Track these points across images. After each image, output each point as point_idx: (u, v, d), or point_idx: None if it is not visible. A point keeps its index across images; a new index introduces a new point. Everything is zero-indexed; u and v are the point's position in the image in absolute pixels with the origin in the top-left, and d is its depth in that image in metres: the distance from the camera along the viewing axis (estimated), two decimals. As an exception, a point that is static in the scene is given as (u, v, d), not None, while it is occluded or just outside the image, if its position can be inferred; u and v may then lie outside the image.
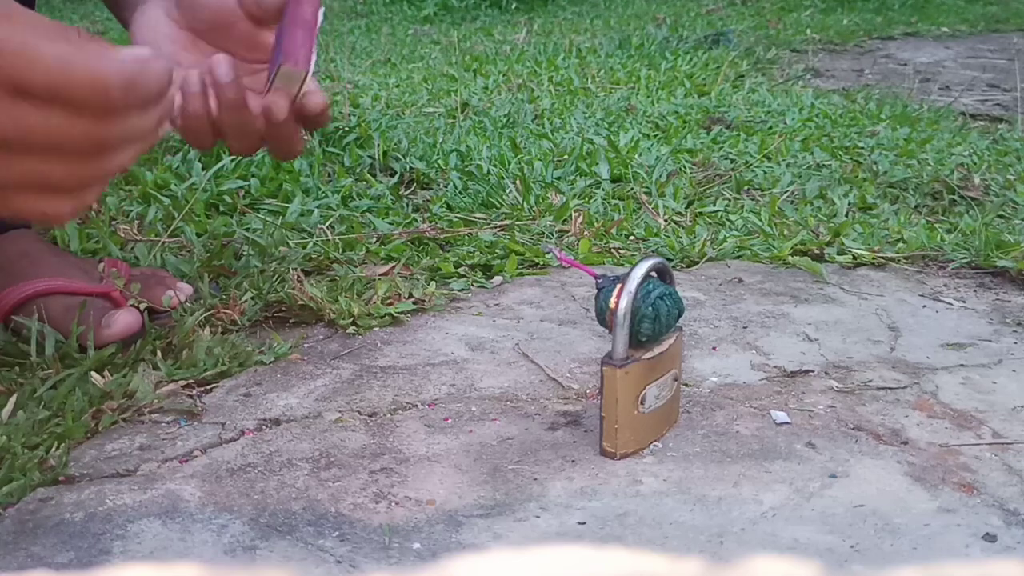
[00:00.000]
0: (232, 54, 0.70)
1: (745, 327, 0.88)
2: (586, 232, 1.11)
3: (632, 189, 1.27)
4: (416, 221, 1.14)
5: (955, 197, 1.26)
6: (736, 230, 1.14)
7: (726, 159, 1.44)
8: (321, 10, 0.68)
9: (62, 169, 0.46)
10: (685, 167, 1.39)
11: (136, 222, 1.07)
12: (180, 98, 0.68)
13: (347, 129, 1.46)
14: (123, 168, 0.48)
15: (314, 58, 0.67)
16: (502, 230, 1.12)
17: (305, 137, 0.66)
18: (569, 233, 1.11)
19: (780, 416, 0.72)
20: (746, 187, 1.31)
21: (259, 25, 0.71)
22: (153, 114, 0.47)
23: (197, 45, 0.73)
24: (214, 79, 0.67)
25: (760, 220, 1.16)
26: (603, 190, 1.27)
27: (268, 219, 1.08)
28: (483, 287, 0.98)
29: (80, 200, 0.48)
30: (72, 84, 0.43)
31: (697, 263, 1.05)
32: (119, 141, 0.46)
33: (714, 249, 1.07)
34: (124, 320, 0.79)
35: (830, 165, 1.41)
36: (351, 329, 0.86)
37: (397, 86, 2.07)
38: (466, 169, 1.34)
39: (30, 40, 0.43)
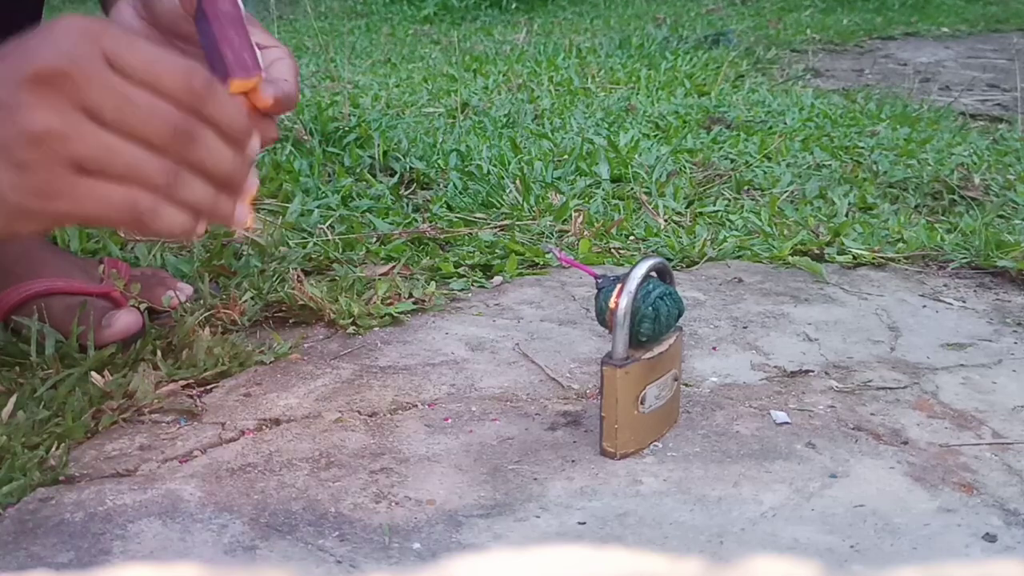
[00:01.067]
0: (197, 54, 0.72)
1: (745, 327, 0.88)
2: (586, 232, 1.11)
3: (632, 189, 1.27)
4: (416, 221, 1.14)
5: (955, 197, 1.26)
6: (736, 230, 1.14)
7: (726, 159, 1.44)
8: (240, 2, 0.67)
9: (139, 192, 0.48)
10: (685, 167, 1.39)
11: (136, 222, 1.07)
12: None
13: (347, 129, 1.46)
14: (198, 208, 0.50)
15: (258, 53, 0.66)
16: (502, 230, 1.12)
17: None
18: (569, 233, 1.11)
19: (780, 416, 0.72)
20: (746, 187, 1.31)
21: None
22: (233, 149, 0.51)
23: (171, 42, 0.73)
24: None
25: (760, 220, 1.16)
26: (603, 190, 1.27)
27: (268, 219, 1.08)
28: (483, 287, 0.98)
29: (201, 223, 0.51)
30: (167, 72, 0.47)
31: (697, 263, 1.05)
32: (198, 144, 0.49)
33: (714, 249, 1.07)
34: (124, 320, 0.79)
35: (830, 165, 1.41)
36: (351, 329, 0.86)
37: (397, 86, 2.07)
38: (466, 169, 1.34)
39: (132, 34, 0.47)
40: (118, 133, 0.47)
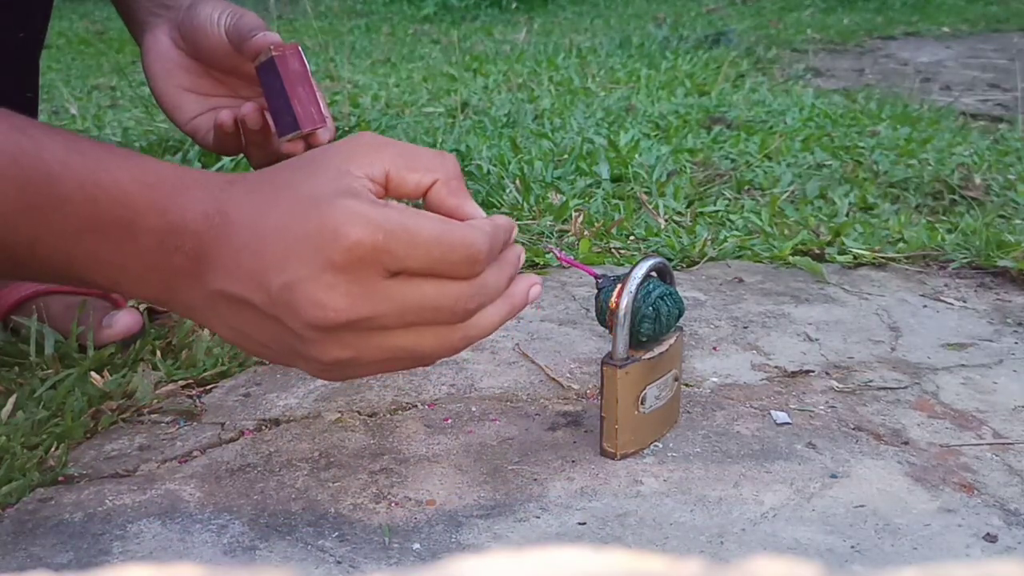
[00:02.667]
0: (236, 83, 0.75)
1: (745, 327, 0.88)
2: (586, 232, 1.11)
3: (632, 189, 1.27)
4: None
5: (956, 197, 1.26)
6: (736, 230, 1.14)
7: (726, 159, 1.44)
8: (304, 57, 0.73)
9: (432, 339, 0.49)
10: (685, 167, 1.38)
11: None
12: (215, 132, 0.75)
13: (347, 129, 1.46)
14: (487, 332, 0.52)
15: (323, 105, 0.73)
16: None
17: None
18: (569, 233, 1.11)
19: (780, 416, 0.72)
20: (746, 187, 1.31)
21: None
22: (505, 271, 0.52)
23: (210, 73, 0.76)
24: (244, 125, 0.73)
25: (760, 220, 1.15)
26: (603, 190, 1.27)
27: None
28: (483, 287, 0.98)
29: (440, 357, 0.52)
30: (449, 260, 0.47)
31: (697, 263, 1.05)
32: (481, 300, 0.50)
33: (714, 249, 1.07)
34: (124, 320, 0.79)
35: (831, 165, 1.41)
36: (351, 329, 0.86)
37: (397, 86, 2.07)
38: (466, 169, 1.34)
39: (408, 221, 0.46)
40: (403, 327, 0.48)
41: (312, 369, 0.50)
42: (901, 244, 1.08)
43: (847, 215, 1.18)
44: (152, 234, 0.47)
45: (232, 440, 0.68)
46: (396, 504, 0.61)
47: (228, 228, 0.46)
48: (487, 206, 1.20)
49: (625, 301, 0.62)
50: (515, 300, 0.53)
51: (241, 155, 0.78)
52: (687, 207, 1.22)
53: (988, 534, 0.57)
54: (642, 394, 0.64)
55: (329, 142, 0.77)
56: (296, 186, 0.47)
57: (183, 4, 0.77)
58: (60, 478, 0.63)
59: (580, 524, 0.59)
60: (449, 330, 0.49)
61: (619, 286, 0.63)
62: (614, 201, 1.24)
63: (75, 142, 0.47)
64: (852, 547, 0.56)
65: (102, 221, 0.46)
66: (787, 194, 1.27)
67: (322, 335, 0.46)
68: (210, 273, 0.47)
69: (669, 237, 1.09)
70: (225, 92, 0.79)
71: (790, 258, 1.05)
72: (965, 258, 1.04)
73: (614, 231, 1.12)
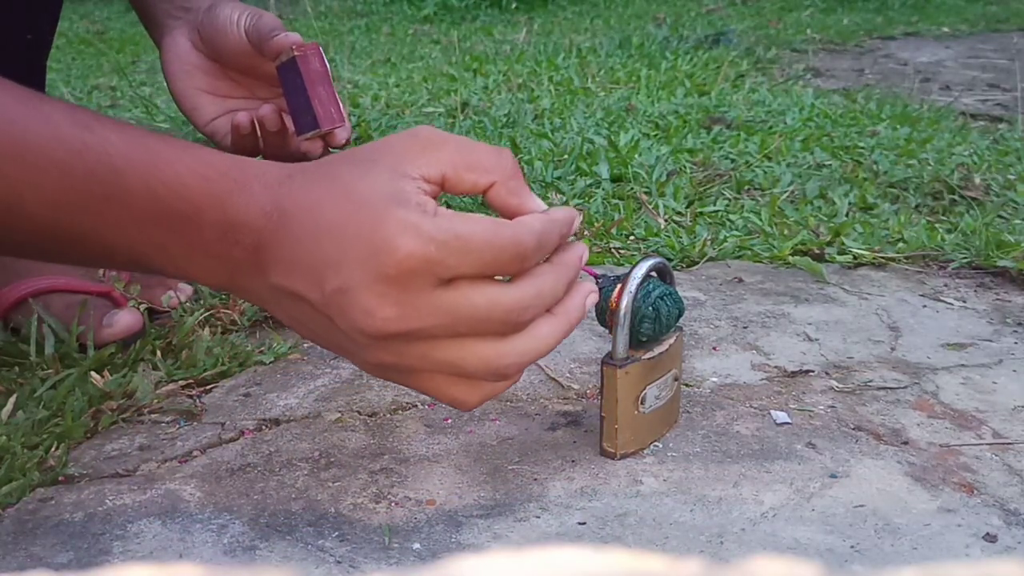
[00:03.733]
0: (253, 84, 0.76)
1: (745, 327, 0.88)
2: (586, 232, 1.11)
3: (632, 189, 1.27)
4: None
5: (955, 197, 1.26)
6: (736, 230, 1.14)
7: (726, 159, 1.44)
8: (324, 57, 0.73)
9: (479, 354, 0.49)
10: (685, 167, 1.38)
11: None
12: (233, 134, 0.76)
13: (347, 129, 1.46)
14: (542, 353, 0.51)
15: (341, 105, 0.73)
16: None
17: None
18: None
19: (780, 416, 0.72)
20: (746, 187, 1.31)
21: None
22: (564, 276, 0.51)
23: (227, 74, 0.77)
24: (262, 126, 0.74)
25: (760, 220, 1.16)
26: (603, 190, 1.27)
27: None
28: (483, 287, 0.98)
29: (493, 389, 0.52)
30: (500, 260, 0.47)
31: (697, 263, 1.05)
32: (536, 309, 0.50)
33: (714, 249, 1.07)
34: (125, 320, 0.79)
35: (830, 165, 1.41)
36: (351, 329, 0.86)
37: (397, 86, 2.07)
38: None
39: (459, 228, 0.46)
40: (458, 337, 0.48)
41: (360, 365, 0.51)
42: (901, 244, 1.08)
43: (847, 215, 1.18)
44: (213, 228, 0.47)
45: (232, 440, 0.68)
46: (396, 504, 0.61)
47: (285, 224, 0.47)
48: (487, 206, 1.20)
49: (625, 301, 0.62)
50: (571, 315, 0.53)
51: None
52: (687, 207, 1.22)
53: (988, 534, 0.57)
54: (642, 394, 0.64)
55: (346, 142, 0.77)
56: (352, 184, 0.47)
57: (202, 7, 0.78)
58: (60, 478, 0.63)
59: (580, 524, 0.59)
60: (499, 345, 0.49)
61: (619, 286, 0.63)
62: (614, 201, 1.24)
63: (137, 136, 0.48)
64: (852, 547, 0.56)
65: (165, 214, 0.47)
66: (787, 194, 1.27)
67: (371, 340, 0.47)
68: (270, 267, 0.48)
69: (669, 237, 1.09)
70: (243, 94, 0.80)
71: (790, 258, 1.05)
72: (965, 258, 1.04)
73: (614, 231, 1.12)
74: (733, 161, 1.43)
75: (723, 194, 1.28)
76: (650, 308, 0.63)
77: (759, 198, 1.27)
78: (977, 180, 1.29)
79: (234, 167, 0.48)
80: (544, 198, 1.21)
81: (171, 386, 0.74)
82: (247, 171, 0.49)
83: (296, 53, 0.71)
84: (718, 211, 1.21)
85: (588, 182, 1.30)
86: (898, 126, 1.67)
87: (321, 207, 0.47)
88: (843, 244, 1.08)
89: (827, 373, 0.79)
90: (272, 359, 0.80)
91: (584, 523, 0.59)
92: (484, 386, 0.51)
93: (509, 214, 0.52)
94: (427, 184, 0.48)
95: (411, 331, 0.47)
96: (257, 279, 0.49)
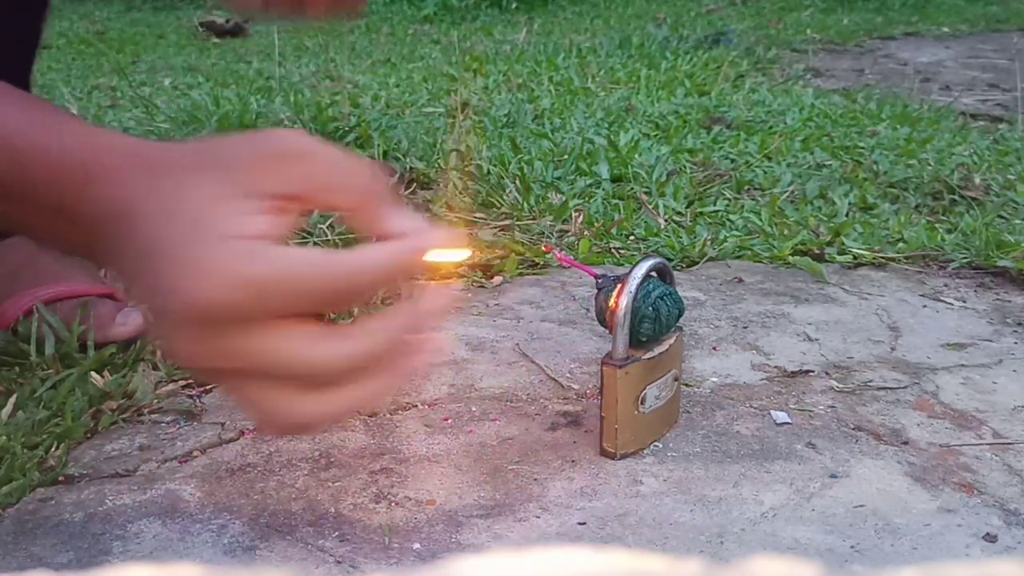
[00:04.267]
0: None
1: (745, 327, 0.88)
2: (586, 232, 1.11)
3: (632, 189, 1.27)
4: (416, 221, 1.13)
5: (955, 197, 1.26)
6: (736, 230, 1.14)
7: (726, 159, 1.44)
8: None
9: (275, 403, 0.46)
10: (685, 167, 1.38)
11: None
12: None
13: (347, 129, 1.46)
14: (347, 413, 0.50)
15: None
16: (502, 230, 1.12)
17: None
18: (569, 233, 1.11)
19: (780, 416, 0.72)
20: (746, 187, 1.31)
21: None
22: (391, 339, 0.48)
23: None
24: None
25: (760, 220, 1.16)
26: (603, 190, 1.27)
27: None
28: (483, 287, 0.98)
29: (297, 432, 0.52)
30: (324, 299, 0.45)
31: (697, 263, 1.05)
32: (346, 372, 0.46)
33: (714, 249, 1.07)
34: (138, 319, 0.79)
35: (830, 165, 1.41)
36: (351, 329, 0.86)
37: (397, 86, 2.07)
38: (466, 169, 1.34)
39: (278, 265, 0.43)
40: (263, 378, 0.46)
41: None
42: (901, 244, 1.08)
43: (847, 215, 1.18)
44: (50, 210, 0.46)
45: (232, 440, 0.68)
46: (396, 504, 0.61)
47: (132, 225, 0.45)
48: (487, 206, 1.20)
49: (625, 301, 0.62)
50: (391, 379, 0.48)
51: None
52: (687, 207, 1.22)
53: (988, 534, 0.57)
54: (642, 394, 0.64)
55: None
56: (196, 190, 0.44)
57: None
58: (60, 478, 0.63)
59: (580, 524, 0.59)
60: (299, 399, 0.46)
61: (619, 286, 0.63)
62: (614, 201, 1.24)
63: (29, 106, 0.47)
64: (852, 547, 0.56)
65: (30, 187, 0.46)
66: (787, 194, 1.27)
67: (186, 364, 0.47)
68: (112, 257, 0.47)
69: (669, 237, 1.09)
70: None
71: (790, 258, 1.05)
72: (965, 258, 1.04)
73: (614, 231, 1.12)
74: (733, 161, 1.43)
75: (723, 194, 1.28)
76: (650, 308, 0.63)
77: (759, 198, 1.27)
78: (977, 180, 1.29)
79: (95, 149, 0.46)
80: (544, 198, 1.21)
81: (171, 386, 0.74)
82: (107, 156, 0.46)
83: None
84: (718, 211, 1.21)
85: (588, 182, 1.30)
86: (898, 126, 1.67)
87: (164, 216, 0.44)
88: (843, 244, 1.08)
89: (827, 373, 0.79)
90: (272, 359, 0.80)
91: (584, 523, 0.59)
92: (287, 428, 0.49)
93: (373, 237, 0.48)
94: (276, 201, 0.44)
95: (214, 368, 0.45)
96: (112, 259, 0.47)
